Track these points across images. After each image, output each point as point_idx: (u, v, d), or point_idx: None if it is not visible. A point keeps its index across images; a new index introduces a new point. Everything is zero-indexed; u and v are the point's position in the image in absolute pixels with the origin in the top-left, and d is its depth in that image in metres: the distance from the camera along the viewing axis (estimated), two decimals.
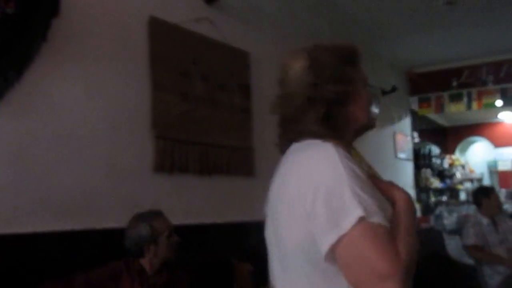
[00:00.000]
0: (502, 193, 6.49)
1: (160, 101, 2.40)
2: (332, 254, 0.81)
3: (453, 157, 7.81)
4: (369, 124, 1.03)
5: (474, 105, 5.53)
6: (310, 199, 0.83)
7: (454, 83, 5.69)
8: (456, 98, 5.61)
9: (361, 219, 0.79)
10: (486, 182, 7.89)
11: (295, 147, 0.98)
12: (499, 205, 3.63)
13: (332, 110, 0.95)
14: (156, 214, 1.95)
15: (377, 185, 0.91)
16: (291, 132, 0.99)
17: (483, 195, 3.67)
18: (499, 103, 5.43)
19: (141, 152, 2.31)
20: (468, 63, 5.69)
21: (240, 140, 2.89)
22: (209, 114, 2.68)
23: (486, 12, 4.34)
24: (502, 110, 7.02)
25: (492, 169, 8.15)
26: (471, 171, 8.24)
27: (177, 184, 2.48)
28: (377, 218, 0.80)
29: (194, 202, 2.57)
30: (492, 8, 4.25)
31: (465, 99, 5.55)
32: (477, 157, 8.54)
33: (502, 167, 7.73)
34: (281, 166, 1.00)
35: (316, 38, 3.84)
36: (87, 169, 2.06)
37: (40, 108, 1.92)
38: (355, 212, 0.79)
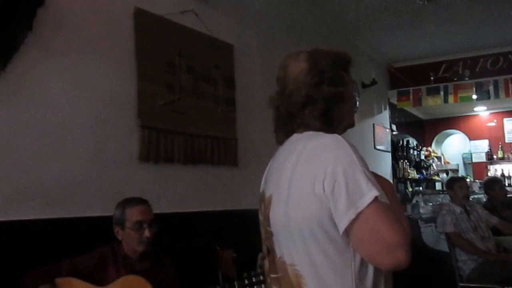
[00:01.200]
0: (476, 183, 6.71)
1: (145, 91, 2.43)
2: (347, 229, 0.93)
3: (430, 149, 8.01)
4: (352, 123, 1.17)
5: (451, 98, 5.68)
6: (329, 180, 0.94)
7: (432, 78, 5.86)
8: (433, 92, 5.75)
9: (375, 199, 0.92)
10: (462, 173, 8.12)
11: (297, 137, 1.09)
12: (464, 195, 3.74)
13: (329, 108, 1.08)
14: (137, 202, 1.92)
15: None
16: (289, 125, 1.11)
17: (448, 186, 3.86)
18: (475, 97, 5.59)
19: (127, 142, 2.34)
20: (446, 58, 5.85)
21: (224, 131, 2.94)
22: (194, 105, 2.73)
23: (464, 10, 4.48)
24: (477, 104, 7.22)
25: (467, 161, 8.38)
26: (447, 163, 8.48)
27: (162, 173, 2.52)
28: (385, 199, 0.94)
29: (178, 191, 2.62)
30: (470, 5, 4.38)
31: (442, 93, 5.69)
32: (453, 149, 8.76)
33: (476, 159, 7.95)
34: (285, 153, 1.10)
35: (299, 31, 3.91)
36: (73, 158, 2.08)
37: (26, 97, 1.93)
38: (371, 193, 0.92)
